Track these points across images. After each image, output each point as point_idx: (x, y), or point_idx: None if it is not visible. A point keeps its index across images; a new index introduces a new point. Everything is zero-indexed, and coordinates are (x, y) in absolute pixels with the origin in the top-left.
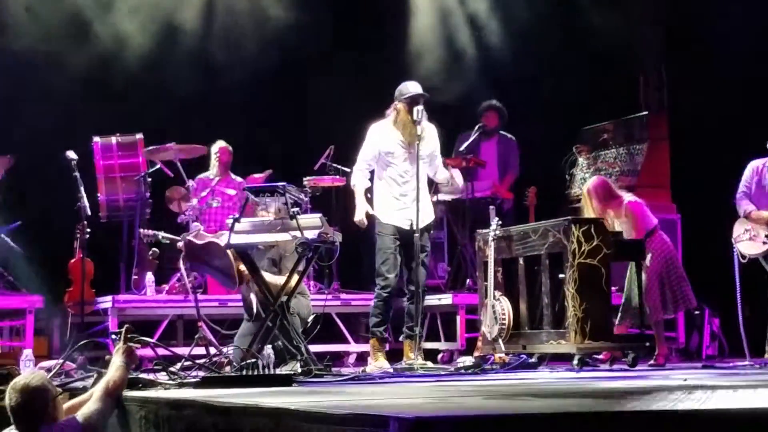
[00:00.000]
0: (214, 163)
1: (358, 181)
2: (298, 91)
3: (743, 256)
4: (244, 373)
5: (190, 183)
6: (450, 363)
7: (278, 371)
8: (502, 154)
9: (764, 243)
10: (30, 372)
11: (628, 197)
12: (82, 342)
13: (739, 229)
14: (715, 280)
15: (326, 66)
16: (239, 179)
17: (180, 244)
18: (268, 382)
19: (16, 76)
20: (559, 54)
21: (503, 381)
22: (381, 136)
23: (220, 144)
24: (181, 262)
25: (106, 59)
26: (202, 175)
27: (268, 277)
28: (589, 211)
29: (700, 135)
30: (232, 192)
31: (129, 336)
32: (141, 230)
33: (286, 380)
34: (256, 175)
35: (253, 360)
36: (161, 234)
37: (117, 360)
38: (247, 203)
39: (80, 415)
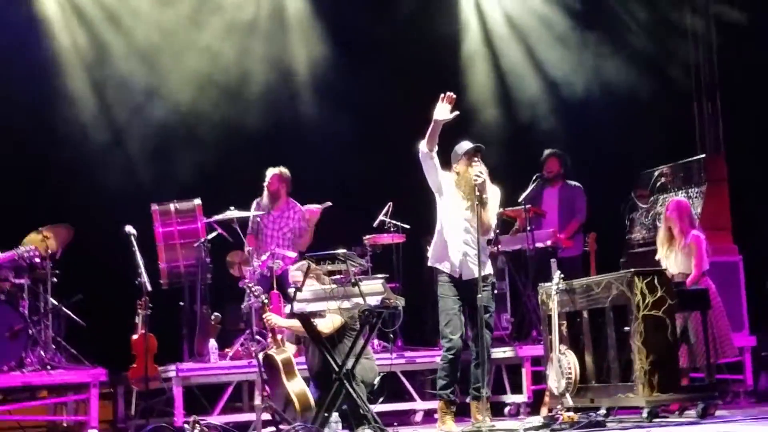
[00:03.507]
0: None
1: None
2: (358, 148)
3: None
4: None
5: (249, 249)
6: (517, 416)
7: None
8: (564, 202)
9: None
10: None
11: (697, 230)
12: (149, 428)
13: None
14: None
15: (384, 121)
16: (298, 206)
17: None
18: None
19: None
20: (616, 96)
21: None
22: (447, 184)
23: (271, 171)
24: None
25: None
26: (258, 199)
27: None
28: (672, 226)
29: (759, 175)
30: (292, 255)
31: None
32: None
33: None
34: (313, 207)
35: None
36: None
37: None
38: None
39: None
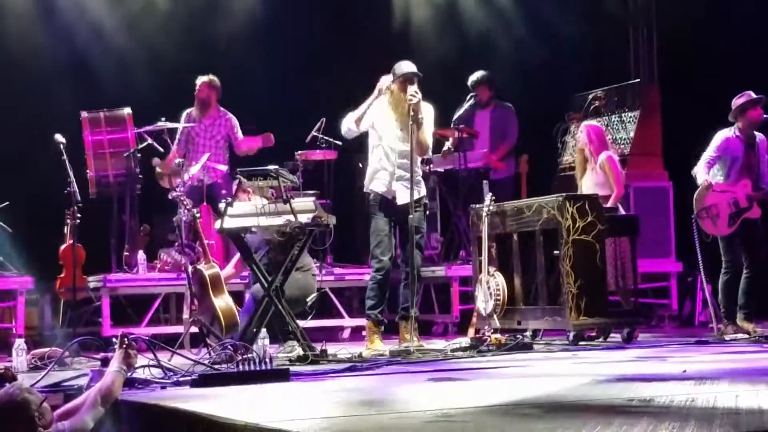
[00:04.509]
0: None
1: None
2: (289, 65)
3: (707, 235)
4: (240, 368)
5: (179, 160)
6: (445, 336)
7: (277, 353)
8: (496, 124)
9: (729, 226)
10: (7, 388)
11: (610, 151)
12: (75, 341)
13: (699, 204)
14: (706, 246)
15: (317, 39)
16: (229, 114)
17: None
18: (266, 377)
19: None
20: (551, 19)
21: (500, 372)
22: (378, 108)
23: (200, 79)
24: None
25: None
26: (188, 110)
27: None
28: (584, 149)
29: (691, 103)
30: (223, 168)
31: (126, 341)
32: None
33: (284, 375)
34: (255, 141)
35: (250, 355)
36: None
37: (113, 365)
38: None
39: (70, 423)
